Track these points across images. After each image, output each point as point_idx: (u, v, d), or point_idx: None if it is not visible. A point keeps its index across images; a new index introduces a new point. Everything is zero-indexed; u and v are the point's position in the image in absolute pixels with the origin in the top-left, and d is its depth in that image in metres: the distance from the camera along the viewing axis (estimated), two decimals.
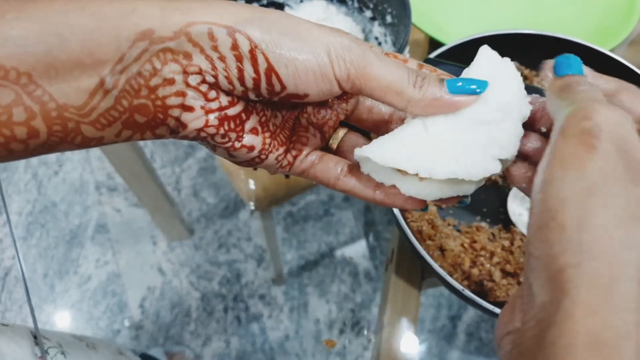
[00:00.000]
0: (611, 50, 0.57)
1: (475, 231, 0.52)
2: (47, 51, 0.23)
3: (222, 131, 0.27)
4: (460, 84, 0.26)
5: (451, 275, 0.46)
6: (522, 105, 0.27)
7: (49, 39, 0.23)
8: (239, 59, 0.25)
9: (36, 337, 0.50)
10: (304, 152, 0.30)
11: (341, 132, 0.31)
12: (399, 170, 0.27)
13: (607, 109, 0.22)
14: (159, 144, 1.20)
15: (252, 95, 0.26)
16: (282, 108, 0.30)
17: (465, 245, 0.51)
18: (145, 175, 1.08)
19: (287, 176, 0.63)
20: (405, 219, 0.49)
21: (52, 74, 0.23)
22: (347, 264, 1.08)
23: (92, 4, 0.24)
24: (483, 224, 0.53)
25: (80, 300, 1.05)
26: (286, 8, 0.63)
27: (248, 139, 0.28)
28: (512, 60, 0.29)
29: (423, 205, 0.29)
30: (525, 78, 0.60)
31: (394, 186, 0.28)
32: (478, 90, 0.27)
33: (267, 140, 0.29)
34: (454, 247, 0.50)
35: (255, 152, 0.28)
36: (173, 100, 0.25)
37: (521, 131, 0.27)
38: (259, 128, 0.28)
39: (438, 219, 0.52)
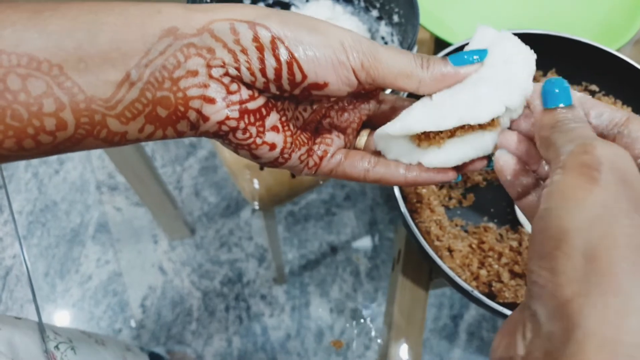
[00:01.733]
0: (617, 50, 0.57)
1: (483, 232, 0.52)
2: (77, 45, 0.24)
3: (242, 125, 0.27)
4: (463, 57, 0.28)
5: (460, 276, 0.46)
6: (524, 61, 0.28)
7: (80, 34, 0.24)
8: (260, 50, 0.26)
9: (45, 332, 0.50)
10: (330, 152, 0.31)
11: (365, 133, 0.32)
12: (419, 145, 0.29)
13: (605, 143, 0.22)
14: (160, 143, 1.19)
15: (273, 88, 0.27)
16: (304, 111, 0.31)
17: (473, 246, 0.51)
18: (146, 174, 1.08)
19: (293, 176, 0.62)
20: (413, 219, 0.49)
21: (82, 67, 0.24)
22: (348, 263, 1.08)
23: (120, 5, 0.25)
24: (491, 225, 0.53)
25: (82, 299, 1.04)
26: (292, 8, 0.63)
27: (269, 135, 0.28)
28: None
29: (454, 175, 0.30)
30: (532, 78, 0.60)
31: (420, 164, 0.30)
32: (478, 57, 0.28)
33: (289, 139, 0.29)
34: (461, 248, 0.50)
35: (277, 151, 0.29)
36: (194, 92, 0.26)
37: (529, 86, 0.28)
38: (280, 126, 0.29)
39: (446, 220, 0.52)
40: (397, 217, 0.88)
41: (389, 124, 0.29)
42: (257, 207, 0.66)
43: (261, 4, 0.64)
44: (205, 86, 0.26)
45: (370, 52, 0.27)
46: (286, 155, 0.29)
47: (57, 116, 0.24)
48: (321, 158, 0.31)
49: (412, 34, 0.51)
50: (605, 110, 0.26)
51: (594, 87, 0.60)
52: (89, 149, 0.26)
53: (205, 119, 0.27)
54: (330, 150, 0.31)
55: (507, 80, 0.28)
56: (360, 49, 0.27)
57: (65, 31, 0.24)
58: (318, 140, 0.31)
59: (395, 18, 0.59)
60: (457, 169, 0.30)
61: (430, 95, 0.29)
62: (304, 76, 0.26)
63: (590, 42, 0.57)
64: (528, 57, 0.29)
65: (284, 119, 0.29)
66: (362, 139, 0.32)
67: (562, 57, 0.59)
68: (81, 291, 1.05)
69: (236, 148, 0.28)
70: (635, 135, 0.25)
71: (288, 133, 0.29)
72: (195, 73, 0.26)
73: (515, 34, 0.29)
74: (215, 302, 1.06)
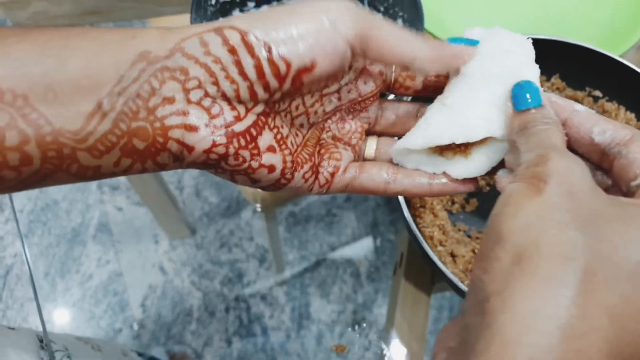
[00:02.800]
0: (621, 56, 0.57)
1: None
2: (45, 73, 0.22)
3: (232, 150, 0.25)
4: (460, 40, 0.28)
5: (462, 282, 0.46)
6: (523, 48, 0.28)
7: (48, 61, 0.22)
8: (233, 52, 0.24)
9: (42, 340, 0.50)
10: (341, 167, 0.29)
11: (372, 141, 0.31)
12: (442, 155, 0.28)
13: (560, 156, 0.22)
14: None
15: (260, 91, 0.25)
16: (302, 126, 0.29)
17: (476, 251, 0.51)
18: (147, 174, 1.08)
19: None
20: (416, 224, 0.49)
21: (50, 97, 0.22)
22: (348, 264, 1.08)
23: (95, 31, 0.24)
24: None
25: (82, 299, 1.04)
26: None
27: (266, 157, 0.26)
28: None
29: (476, 184, 0.30)
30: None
31: (444, 173, 0.29)
32: (475, 42, 0.28)
33: (288, 158, 0.27)
34: (464, 253, 0.50)
35: (277, 173, 0.27)
36: (173, 120, 0.24)
37: (536, 72, 0.27)
38: (276, 145, 0.27)
39: (449, 225, 0.52)
40: (398, 219, 0.88)
41: (407, 138, 0.28)
42: (258, 208, 0.66)
43: (264, 6, 0.64)
44: (185, 113, 0.24)
45: (365, 17, 0.25)
46: (288, 176, 0.28)
47: (21, 150, 0.22)
48: (332, 174, 0.29)
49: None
50: (609, 128, 0.25)
51: (597, 93, 0.60)
52: (59, 184, 0.24)
53: (190, 149, 0.25)
54: (341, 164, 0.29)
55: (515, 74, 0.27)
56: (354, 13, 0.25)
57: (32, 58, 0.22)
58: (326, 156, 0.29)
59: (400, 22, 0.59)
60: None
61: (438, 99, 0.28)
62: (288, 64, 0.24)
63: (594, 47, 0.57)
64: (524, 43, 0.28)
65: (279, 136, 0.27)
66: (371, 148, 0.31)
67: (565, 62, 0.59)
68: (81, 291, 1.05)
69: (232, 176, 0.27)
70: (632, 157, 0.24)
71: (286, 152, 0.27)
72: (171, 100, 0.24)
73: None
74: (215, 302, 1.06)
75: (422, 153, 0.29)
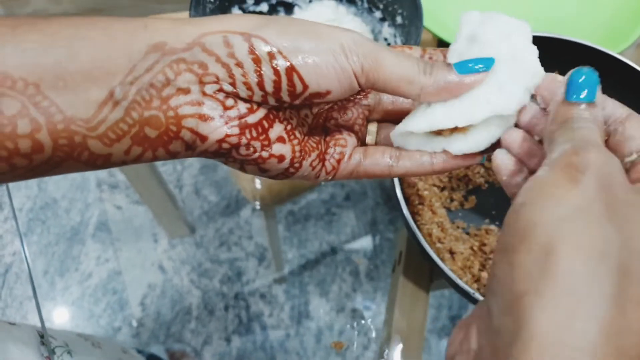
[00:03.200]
0: (620, 53, 0.57)
1: (485, 234, 0.52)
2: (56, 62, 0.22)
3: (244, 140, 0.26)
4: (467, 65, 0.27)
5: (461, 279, 0.46)
6: (521, 32, 0.28)
7: (59, 51, 0.22)
8: (257, 62, 0.24)
9: (43, 336, 0.50)
10: (347, 154, 0.30)
11: (373, 127, 0.31)
12: (440, 134, 0.28)
13: (598, 150, 0.22)
14: None
15: (271, 101, 0.26)
16: (306, 116, 0.30)
17: (475, 248, 0.51)
18: (146, 172, 1.08)
19: None
20: (415, 221, 0.49)
21: (61, 85, 0.22)
22: (348, 263, 1.08)
23: (104, 21, 0.24)
24: (492, 227, 0.53)
25: (81, 297, 1.04)
26: (295, 8, 0.63)
27: (276, 147, 0.27)
28: None
29: (480, 158, 0.30)
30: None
31: (445, 151, 0.29)
32: (483, 67, 0.27)
33: (297, 148, 0.28)
34: (463, 250, 0.50)
35: (286, 162, 0.27)
36: (187, 110, 0.24)
37: (535, 54, 0.28)
38: (286, 136, 0.27)
39: (447, 222, 0.52)
40: (397, 217, 0.88)
41: (409, 121, 0.29)
42: (257, 206, 0.66)
43: (264, 4, 0.64)
44: (200, 104, 0.24)
45: (372, 55, 0.26)
46: (297, 165, 0.28)
47: (33, 138, 0.22)
48: (339, 161, 0.30)
49: (416, 35, 0.51)
50: (608, 104, 0.26)
51: None
52: (70, 172, 0.24)
53: (203, 138, 0.25)
54: (347, 151, 0.30)
55: (514, 58, 0.28)
56: (362, 51, 0.26)
57: (43, 47, 0.22)
58: (331, 143, 0.30)
59: (399, 19, 0.59)
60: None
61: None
62: (305, 86, 0.25)
63: (593, 45, 0.57)
64: (521, 26, 0.29)
65: (289, 127, 0.27)
66: (372, 134, 0.31)
67: (565, 60, 0.59)
68: (81, 289, 1.05)
69: (242, 165, 0.27)
70: (628, 134, 0.24)
71: (295, 142, 0.28)
72: (186, 91, 0.24)
73: None
74: (214, 301, 1.07)
75: (421, 134, 0.29)
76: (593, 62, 0.58)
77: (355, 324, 0.96)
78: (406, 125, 0.29)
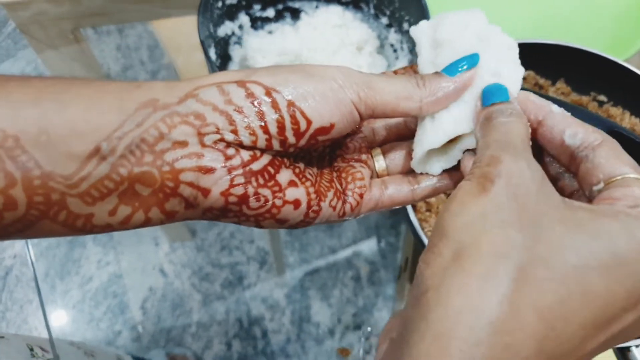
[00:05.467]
0: (625, 60, 0.58)
1: None
2: (41, 115, 0.21)
3: (251, 190, 0.24)
4: (456, 66, 0.27)
5: None
6: (476, 18, 0.29)
7: (46, 104, 0.21)
8: (257, 104, 0.24)
9: (32, 348, 0.49)
10: (368, 187, 0.29)
11: (378, 156, 0.31)
12: (455, 141, 0.28)
13: (513, 158, 0.23)
14: None
15: (276, 145, 0.25)
16: (313, 160, 0.29)
17: None
18: None
19: None
20: (422, 228, 0.49)
21: (43, 140, 0.21)
22: (349, 267, 1.08)
23: (98, 81, 0.23)
24: None
25: (82, 300, 1.04)
26: (302, 14, 0.63)
27: (290, 193, 0.26)
28: (526, 70, 0.30)
29: None
30: (540, 87, 0.60)
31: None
32: (466, 65, 0.27)
33: (311, 190, 0.27)
34: None
35: (303, 207, 0.26)
36: (185, 163, 0.23)
37: (514, 44, 0.29)
38: (297, 180, 0.26)
39: None
40: (399, 222, 0.88)
41: (422, 142, 0.28)
42: None
43: (271, 10, 0.64)
44: (199, 156, 0.23)
45: (363, 82, 0.26)
46: (315, 208, 0.27)
47: (6, 193, 0.21)
48: (361, 195, 0.29)
49: (409, 65, 0.51)
50: (580, 131, 0.25)
51: (602, 97, 0.60)
52: (44, 236, 0.23)
53: (206, 192, 0.24)
54: (366, 183, 0.29)
55: (486, 42, 0.28)
56: (354, 80, 0.26)
57: (30, 100, 0.21)
58: (349, 178, 0.29)
59: (406, 26, 0.59)
60: None
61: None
62: (309, 122, 0.25)
63: (599, 52, 0.57)
64: (473, 13, 0.29)
65: (297, 170, 0.27)
66: (380, 161, 0.31)
67: (570, 67, 0.59)
68: (81, 292, 1.04)
69: (257, 221, 0.26)
70: (597, 162, 0.24)
71: (308, 184, 0.27)
72: (184, 144, 0.23)
73: (524, 44, 0.30)
74: (215, 305, 1.06)
75: (440, 151, 0.29)
76: (599, 69, 0.58)
77: (356, 328, 0.96)
78: (423, 146, 0.28)
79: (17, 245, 1.10)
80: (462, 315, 0.19)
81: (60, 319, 1.04)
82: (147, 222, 0.24)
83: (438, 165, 0.29)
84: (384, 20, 0.62)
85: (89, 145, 0.22)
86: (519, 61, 0.28)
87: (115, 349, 0.92)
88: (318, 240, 1.07)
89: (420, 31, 0.30)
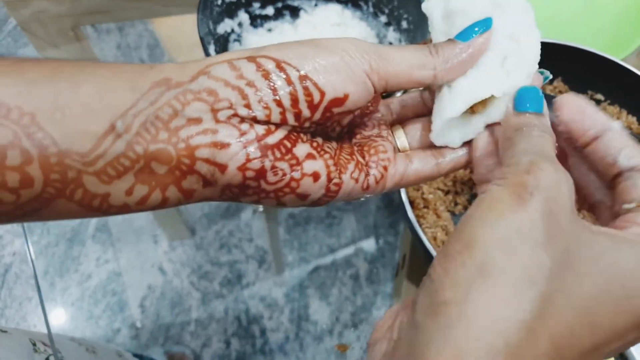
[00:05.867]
0: (623, 60, 0.58)
1: None
2: (56, 93, 0.21)
3: (268, 163, 0.24)
4: (469, 31, 0.27)
5: None
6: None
7: (61, 83, 0.21)
8: (268, 77, 0.24)
9: (35, 343, 0.50)
10: (392, 159, 0.29)
11: (399, 130, 0.30)
12: (476, 112, 0.28)
13: (552, 168, 0.22)
14: None
15: (291, 119, 0.24)
16: (332, 138, 0.28)
17: None
18: None
19: None
20: (420, 225, 0.49)
21: (58, 117, 0.21)
22: (348, 266, 1.08)
23: (110, 63, 0.23)
24: None
25: (81, 298, 1.04)
26: (301, 12, 0.63)
27: (307, 165, 0.25)
28: None
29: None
30: None
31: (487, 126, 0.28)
32: (479, 29, 0.27)
33: (330, 162, 0.26)
34: None
35: (323, 179, 0.26)
36: (200, 139, 0.23)
37: (530, 10, 0.28)
38: (315, 152, 0.26)
39: (452, 226, 0.53)
40: (398, 221, 0.88)
41: (441, 113, 0.28)
42: (260, 208, 0.66)
43: (270, 8, 0.64)
44: (214, 132, 0.23)
45: (375, 52, 0.26)
46: (336, 181, 0.26)
47: (22, 170, 0.21)
48: (385, 167, 0.28)
49: (422, 40, 0.52)
50: (636, 155, 0.25)
51: (599, 96, 0.60)
52: (60, 217, 0.23)
53: (223, 167, 0.23)
54: (389, 156, 0.29)
55: (497, 4, 0.28)
56: (364, 51, 0.25)
57: (45, 78, 0.21)
58: (372, 151, 0.28)
59: (404, 24, 0.60)
60: None
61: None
62: (322, 92, 0.24)
63: (596, 51, 0.57)
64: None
65: (315, 144, 0.26)
66: (402, 138, 0.30)
67: (568, 66, 0.59)
68: (80, 290, 1.05)
69: (277, 197, 0.25)
70: (639, 183, 0.25)
71: (327, 156, 0.26)
72: (198, 120, 0.23)
73: None
74: (214, 303, 1.07)
75: (460, 123, 0.28)
76: (596, 68, 0.58)
77: (355, 327, 0.96)
78: (441, 116, 0.27)
79: (16, 243, 1.11)
80: (484, 337, 0.19)
81: (59, 317, 1.04)
82: (164, 202, 0.24)
83: (458, 137, 0.28)
84: (383, 19, 0.63)
85: (104, 123, 0.22)
86: (535, 24, 0.28)
87: (115, 346, 0.92)
88: (317, 239, 1.07)
89: (433, 3, 0.29)
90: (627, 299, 0.21)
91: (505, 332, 0.19)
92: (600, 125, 0.26)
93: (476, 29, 0.27)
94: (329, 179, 0.26)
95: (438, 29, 0.29)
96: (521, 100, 0.26)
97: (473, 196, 0.56)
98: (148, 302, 1.03)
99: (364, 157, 0.28)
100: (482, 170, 0.28)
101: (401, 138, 0.30)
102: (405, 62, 0.26)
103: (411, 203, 0.52)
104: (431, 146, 0.29)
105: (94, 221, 1.13)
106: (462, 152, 0.29)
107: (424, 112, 0.31)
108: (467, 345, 0.19)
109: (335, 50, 0.25)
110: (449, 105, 0.27)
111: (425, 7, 0.30)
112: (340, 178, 0.26)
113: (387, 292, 0.95)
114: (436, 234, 0.50)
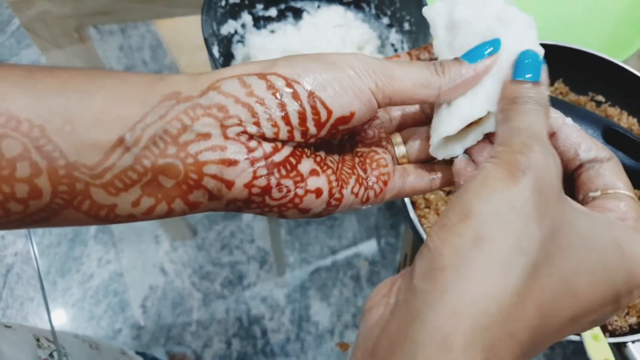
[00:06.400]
0: (623, 62, 0.58)
1: None
2: (66, 105, 0.21)
3: (274, 181, 0.25)
4: (476, 53, 0.27)
5: None
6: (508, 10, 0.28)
7: (71, 94, 0.22)
8: (278, 96, 0.24)
9: (39, 339, 0.50)
10: (391, 173, 0.29)
11: (397, 137, 0.31)
12: (477, 123, 0.28)
13: (543, 150, 0.23)
14: None
15: (297, 136, 0.25)
16: (334, 148, 0.29)
17: None
18: None
19: None
20: (422, 224, 0.49)
21: (68, 129, 0.21)
22: (349, 267, 1.08)
23: (122, 73, 0.23)
24: None
25: (82, 298, 1.04)
26: (304, 14, 0.64)
27: (311, 182, 0.26)
28: None
29: None
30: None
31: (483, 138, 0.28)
32: (492, 49, 0.27)
33: (332, 178, 0.27)
34: None
35: (325, 196, 0.26)
36: (208, 155, 0.23)
37: (514, 8, 0.28)
38: (318, 168, 0.26)
39: None
40: (399, 222, 0.89)
41: (439, 128, 0.28)
42: None
43: (273, 10, 0.64)
44: (222, 148, 0.23)
45: (381, 70, 0.26)
46: (337, 196, 0.27)
47: (31, 182, 0.21)
48: (385, 182, 0.29)
49: (424, 42, 0.52)
50: (593, 147, 0.27)
51: (600, 98, 0.61)
52: (69, 225, 0.23)
53: (230, 184, 0.24)
54: (389, 170, 0.29)
55: (503, 21, 0.28)
56: (371, 69, 0.26)
57: (56, 90, 0.22)
58: (373, 164, 0.29)
59: (406, 26, 0.60)
60: None
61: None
62: (329, 112, 0.25)
63: (597, 53, 0.58)
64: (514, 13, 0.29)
65: (318, 159, 0.27)
66: (400, 147, 0.31)
67: (569, 68, 0.60)
68: (82, 290, 1.05)
69: (280, 211, 0.26)
70: (602, 172, 0.26)
71: (329, 172, 0.27)
72: (207, 135, 0.23)
73: None
74: (215, 304, 1.07)
75: (458, 136, 0.28)
76: (597, 70, 0.58)
77: (356, 328, 0.96)
78: (438, 133, 0.28)
79: (18, 243, 1.11)
80: (478, 300, 0.20)
81: (61, 317, 1.04)
82: (170, 213, 0.24)
83: (459, 147, 0.29)
84: (385, 20, 0.63)
85: (112, 136, 0.22)
86: (537, 40, 0.28)
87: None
88: (318, 240, 1.07)
89: (435, 12, 0.29)
90: (603, 273, 0.23)
91: (497, 296, 0.20)
92: (555, 120, 0.28)
93: (486, 51, 0.27)
94: (331, 195, 0.27)
95: (442, 39, 0.29)
96: (519, 68, 0.26)
97: None
98: (149, 303, 1.03)
99: (365, 171, 0.29)
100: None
101: (400, 147, 0.31)
102: (410, 80, 0.26)
103: (413, 203, 0.53)
104: (428, 157, 0.30)
105: None
106: (454, 170, 0.30)
107: (423, 120, 0.31)
108: (462, 307, 0.20)
109: (343, 68, 0.25)
110: (447, 123, 0.27)
111: (426, 12, 0.30)
112: (341, 193, 0.27)
113: None
114: None
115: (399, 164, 0.31)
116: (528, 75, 0.26)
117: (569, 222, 0.23)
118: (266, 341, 1.01)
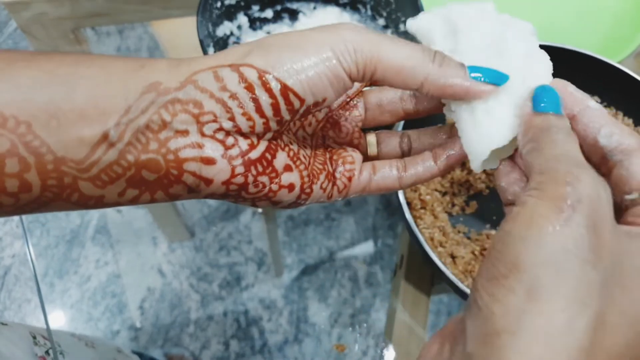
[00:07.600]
0: (619, 62, 0.58)
1: (486, 239, 0.53)
2: (51, 100, 0.22)
3: (251, 178, 0.25)
4: (481, 72, 0.26)
5: (462, 282, 0.46)
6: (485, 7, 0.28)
7: (55, 88, 0.22)
8: (250, 89, 0.24)
9: (35, 337, 0.50)
10: (357, 171, 0.29)
11: (372, 137, 0.31)
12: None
13: (591, 177, 0.21)
14: None
15: (273, 125, 0.25)
16: (304, 139, 0.29)
17: (476, 252, 0.51)
18: None
19: None
20: (417, 226, 0.49)
21: (54, 125, 0.21)
22: (347, 268, 1.08)
23: (103, 59, 0.23)
24: (493, 232, 0.54)
25: (80, 300, 1.04)
26: (300, 15, 0.64)
27: (285, 177, 0.26)
28: None
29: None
30: None
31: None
32: (498, 80, 0.26)
33: (304, 173, 0.27)
34: (464, 255, 0.51)
35: (296, 191, 0.27)
36: (188, 152, 0.24)
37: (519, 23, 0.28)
38: (291, 163, 0.27)
39: (449, 227, 0.53)
40: (397, 223, 0.88)
41: (488, 138, 0.26)
42: (260, 211, 0.67)
43: (269, 11, 0.64)
44: (200, 146, 0.24)
45: (368, 47, 0.25)
46: (307, 191, 0.27)
47: (21, 177, 0.21)
48: (350, 179, 0.29)
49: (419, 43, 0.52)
50: (616, 132, 0.24)
51: (596, 98, 0.61)
52: (59, 211, 0.24)
53: (209, 181, 0.24)
54: (356, 167, 0.29)
55: (509, 25, 0.28)
56: (352, 47, 0.24)
57: (39, 84, 0.22)
58: (340, 161, 0.29)
59: (402, 27, 0.60)
60: None
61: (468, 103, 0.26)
62: (302, 101, 0.25)
63: (593, 54, 0.58)
64: (488, 7, 0.28)
65: (291, 153, 0.27)
66: (373, 144, 0.31)
67: (564, 69, 0.60)
68: (80, 292, 1.05)
69: (253, 202, 0.26)
70: (632, 169, 0.23)
71: (302, 167, 0.27)
72: (185, 132, 0.23)
73: None
74: (213, 305, 1.07)
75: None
76: (593, 71, 0.58)
77: (353, 329, 0.96)
78: (489, 145, 0.26)
79: (15, 245, 1.11)
80: None
81: (59, 318, 1.04)
82: (152, 201, 0.25)
83: (496, 158, 0.27)
84: (381, 22, 0.63)
85: (97, 131, 0.22)
86: (538, 46, 0.28)
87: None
88: (316, 241, 1.07)
89: (426, 22, 0.28)
90: None
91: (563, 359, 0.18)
92: (579, 103, 0.25)
93: (493, 78, 0.26)
94: (302, 190, 0.27)
95: (440, 48, 0.27)
96: (540, 100, 0.25)
97: (470, 198, 0.56)
98: (147, 304, 1.03)
99: (332, 166, 0.29)
100: (508, 197, 0.26)
101: (372, 147, 0.31)
102: (397, 60, 0.25)
103: (409, 204, 0.53)
104: (402, 157, 0.30)
105: (93, 223, 1.13)
106: (421, 169, 0.29)
107: (401, 116, 0.31)
108: None
109: (321, 51, 0.24)
110: (496, 134, 0.26)
111: (412, 25, 0.29)
112: (311, 188, 0.28)
113: (385, 294, 0.96)
114: (433, 235, 0.51)
115: (370, 159, 0.31)
116: (548, 107, 0.25)
117: (628, 256, 0.21)
118: (264, 342, 1.01)
